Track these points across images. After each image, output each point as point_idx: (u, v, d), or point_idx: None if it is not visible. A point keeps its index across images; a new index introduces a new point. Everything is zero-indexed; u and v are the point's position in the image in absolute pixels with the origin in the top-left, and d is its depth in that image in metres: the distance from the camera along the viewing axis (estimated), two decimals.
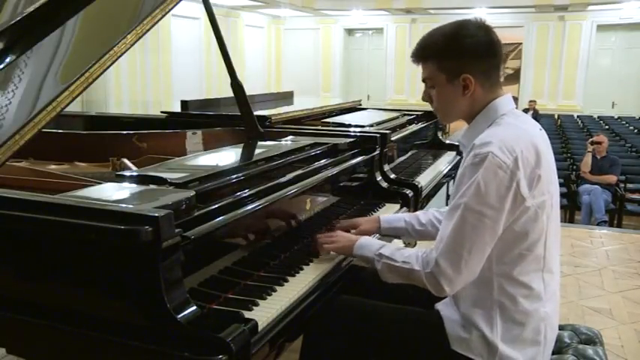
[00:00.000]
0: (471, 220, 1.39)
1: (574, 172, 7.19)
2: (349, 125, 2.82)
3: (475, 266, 1.43)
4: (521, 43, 15.18)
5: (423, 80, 1.58)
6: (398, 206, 2.46)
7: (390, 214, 2.28)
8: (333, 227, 1.98)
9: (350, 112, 3.66)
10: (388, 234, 2.01)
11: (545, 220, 1.46)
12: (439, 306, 1.62)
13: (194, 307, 1.25)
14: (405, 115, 3.63)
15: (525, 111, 13.15)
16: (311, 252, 1.81)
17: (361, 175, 2.48)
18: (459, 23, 1.52)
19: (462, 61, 1.48)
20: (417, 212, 1.96)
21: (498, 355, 1.46)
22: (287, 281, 1.59)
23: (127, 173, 1.62)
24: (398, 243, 1.98)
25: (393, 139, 2.76)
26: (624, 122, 12.16)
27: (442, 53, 1.50)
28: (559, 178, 1.62)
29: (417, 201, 2.61)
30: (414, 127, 3.40)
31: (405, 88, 15.81)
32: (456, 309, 1.57)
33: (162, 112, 3.03)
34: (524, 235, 1.44)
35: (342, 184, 2.29)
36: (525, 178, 1.39)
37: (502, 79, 1.61)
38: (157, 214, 1.19)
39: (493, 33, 1.50)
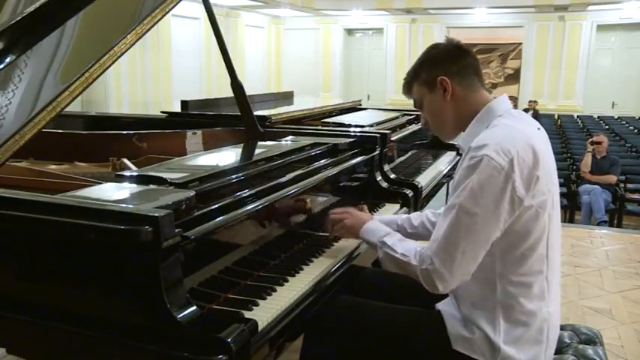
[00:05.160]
0: (465, 221, 1.40)
1: (574, 172, 7.19)
2: (349, 125, 2.82)
3: (468, 267, 1.44)
4: (521, 43, 15.17)
5: (415, 106, 1.70)
6: (398, 206, 2.46)
7: (389, 214, 2.29)
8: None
9: (350, 112, 3.66)
10: None
11: (547, 218, 1.46)
12: (440, 306, 1.62)
13: (194, 307, 1.25)
14: (405, 115, 3.62)
15: (525, 111, 13.15)
16: (312, 251, 1.81)
17: (361, 175, 2.48)
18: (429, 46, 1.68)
19: (434, 68, 1.60)
20: (411, 214, 1.95)
21: (500, 356, 1.46)
22: (287, 281, 1.59)
23: (127, 173, 1.62)
24: None
25: (393, 139, 2.76)
26: (624, 122, 12.16)
27: (418, 71, 1.65)
28: (559, 178, 1.62)
29: (417, 201, 2.61)
30: (414, 127, 3.39)
31: None
32: (457, 308, 1.57)
33: (162, 112, 3.03)
34: (526, 234, 1.44)
35: (342, 184, 2.29)
36: (522, 179, 1.39)
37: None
38: (157, 214, 1.19)
39: (460, 43, 1.64)
